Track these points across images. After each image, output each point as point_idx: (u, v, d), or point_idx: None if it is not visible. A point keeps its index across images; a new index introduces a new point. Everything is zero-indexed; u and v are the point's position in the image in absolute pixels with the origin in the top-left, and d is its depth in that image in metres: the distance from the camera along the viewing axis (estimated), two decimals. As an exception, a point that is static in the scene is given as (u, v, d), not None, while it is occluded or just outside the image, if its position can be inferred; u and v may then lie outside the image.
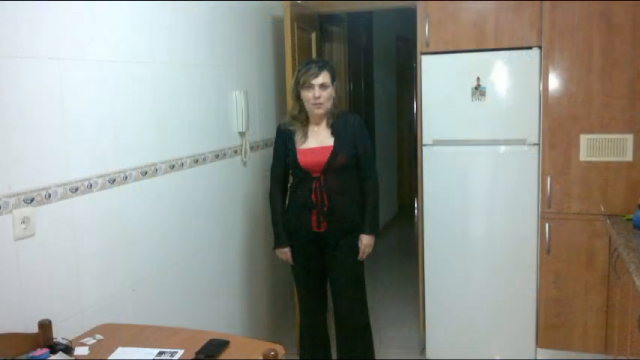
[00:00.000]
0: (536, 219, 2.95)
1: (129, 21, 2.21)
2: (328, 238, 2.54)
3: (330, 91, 2.51)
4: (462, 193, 3.05)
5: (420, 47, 3.05)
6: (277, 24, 3.44)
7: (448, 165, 3.07)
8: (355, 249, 2.57)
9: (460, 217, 3.07)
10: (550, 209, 2.92)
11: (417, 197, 3.19)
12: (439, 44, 3.02)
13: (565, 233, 2.90)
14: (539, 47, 2.86)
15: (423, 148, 3.10)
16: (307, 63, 2.55)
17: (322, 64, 2.52)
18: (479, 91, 2.96)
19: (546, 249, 2.93)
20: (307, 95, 2.49)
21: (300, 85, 2.50)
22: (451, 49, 3.00)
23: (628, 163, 2.77)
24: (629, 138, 2.76)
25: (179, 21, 2.53)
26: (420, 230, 3.17)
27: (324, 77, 2.48)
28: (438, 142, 3.07)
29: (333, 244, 2.55)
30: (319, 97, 2.47)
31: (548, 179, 2.90)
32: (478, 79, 2.95)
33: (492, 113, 2.96)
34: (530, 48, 2.87)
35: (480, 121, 2.99)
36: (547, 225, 2.92)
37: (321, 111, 2.52)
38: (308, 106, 2.52)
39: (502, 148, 2.97)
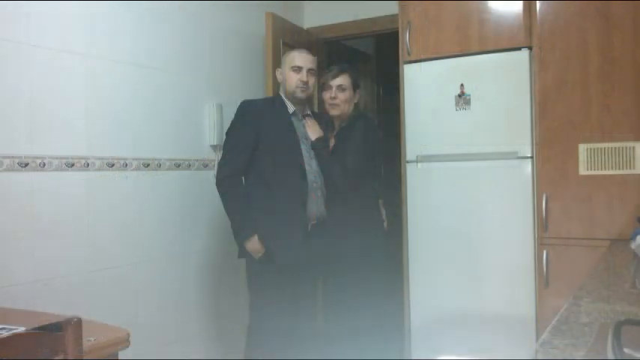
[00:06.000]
0: (532, 245, 2.52)
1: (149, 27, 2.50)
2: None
3: (348, 94, 2.52)
4: (448, 216, 2.70)
5: (401, 56, 2.83)
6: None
7: (433, 183, 2.74)
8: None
9: (446, 244, 2.69)
10: (547, 234, 2.48)
11: (402, 219, 2.86)
12: (420, 51, 2.78)
13: (566, 262, 2.44)
14: (529, 47, 2.53)
15: (407, 165, 2.81)
16: (330, 67, 2.65)
17: (344, 68, 2.57)
18: (463, 99, 2.65)
19: (544, 281, 2.47)
20: (325, 96, 2.55)
21: (320, 86, 2.59)
22: (433, 55, 2.75)
23: (636, 175, 2.31)
24: (637, 146, 2.31)
25: (187, 31, 2.76)
26: (405, 256, 2.83)
27: (342, 79, 2.51)
28: (421, 159, 2.77)
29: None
30: (335, 98, 2.49)
31: (544, 198, 2.48)
32: (462, 86, 2.66)
33: (478, 123, 2.63)
34: (518, 49, 2.55)
35: (466, 133, 2.66)
36: (545, 252, 2.48)
37: (336, 112, 2.53)
38: (325, 108, 2.57)
39: (491, 163, 2.61)
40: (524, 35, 2.53)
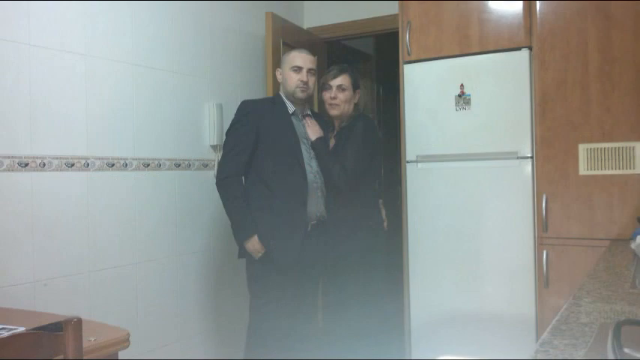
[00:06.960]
0: (532, 245, 2.51)
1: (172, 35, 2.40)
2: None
3: (348, 94, 2.53)
4: (448, 216, 2.69)
5: (401, 56, 2.83)
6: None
7: (433, 183, 2.74)
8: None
9: (446, 244, 2.69)
10: (547, 234, 2.48)
11: (402, 219, 2.86)
12: (420, 51, 2.78)
13: (566, 262, 2.44)
14: (529, 47, 2.53)
15: (407, 165, 2.81)
16: (330, 67, 2.65)
17: (343, 68, 2.56)
18: (463, 99, 2.65)
19: (544, 281, 2.47)
20: (325, 96, 2.55)
21: (320, 87, 2.60)
22: (433, 55, 2.75)
23: (636, 175, 2.31)
24: (637, 146, 2.31)
25: (187, 31, 2.78)
26: (405, 255, 2.82)
27: (342, 79, 2.51)
28: (421, 159, 2.77)
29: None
30: (335, 98, 2.50)
31: (544, 198, 2.48)
32: (462, 86, 2.65)
33: (478, 123, 2.63)
34: (518, 49, 2.55)
35: (466, 133, 2.66)
36: (545, 252, 2.48)
37: (336, 112, 2.53)
38: (325, 108, 2.57)
39: (491, 163, 2.61)
40: (524, 35, 2.53)
